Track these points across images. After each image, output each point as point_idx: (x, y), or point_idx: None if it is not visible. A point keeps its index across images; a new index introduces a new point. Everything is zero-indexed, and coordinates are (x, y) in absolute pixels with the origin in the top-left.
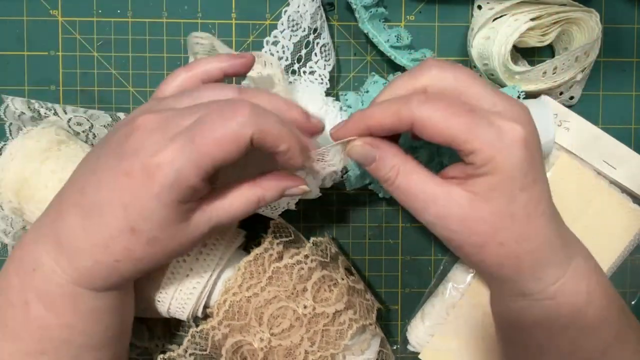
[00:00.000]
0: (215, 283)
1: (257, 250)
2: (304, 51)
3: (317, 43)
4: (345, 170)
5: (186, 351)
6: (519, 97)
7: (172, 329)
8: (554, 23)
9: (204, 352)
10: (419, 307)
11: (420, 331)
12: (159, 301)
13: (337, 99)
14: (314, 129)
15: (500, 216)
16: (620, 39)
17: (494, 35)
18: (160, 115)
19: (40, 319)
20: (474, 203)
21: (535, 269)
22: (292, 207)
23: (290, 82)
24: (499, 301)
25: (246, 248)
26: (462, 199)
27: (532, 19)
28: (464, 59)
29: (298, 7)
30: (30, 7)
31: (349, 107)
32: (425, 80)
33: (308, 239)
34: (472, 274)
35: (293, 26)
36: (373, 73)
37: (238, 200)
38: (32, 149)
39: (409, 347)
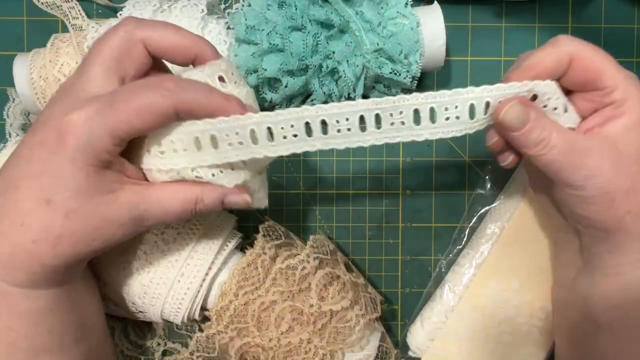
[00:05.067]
0: (210, 285)
1: (249, 256)
2: None
3: None
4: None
5: (192, 354)
6: (406, 5)
7: (174, 327)
8: None
9: (211, 355)
10: (417, 311)
11: (420, 336)
12: (152, 305)
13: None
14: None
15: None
16: (620, 39)
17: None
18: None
19: None
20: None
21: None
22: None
23: (164, 11)
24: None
25: (242, 248)
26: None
27: None
28: (465, 59)
29: None
30: (30, 7)
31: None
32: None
33: (308, 238)
34: (468, 276)
35: None
36: None
37: (174, 195)
38: None
39: (409, 352)
